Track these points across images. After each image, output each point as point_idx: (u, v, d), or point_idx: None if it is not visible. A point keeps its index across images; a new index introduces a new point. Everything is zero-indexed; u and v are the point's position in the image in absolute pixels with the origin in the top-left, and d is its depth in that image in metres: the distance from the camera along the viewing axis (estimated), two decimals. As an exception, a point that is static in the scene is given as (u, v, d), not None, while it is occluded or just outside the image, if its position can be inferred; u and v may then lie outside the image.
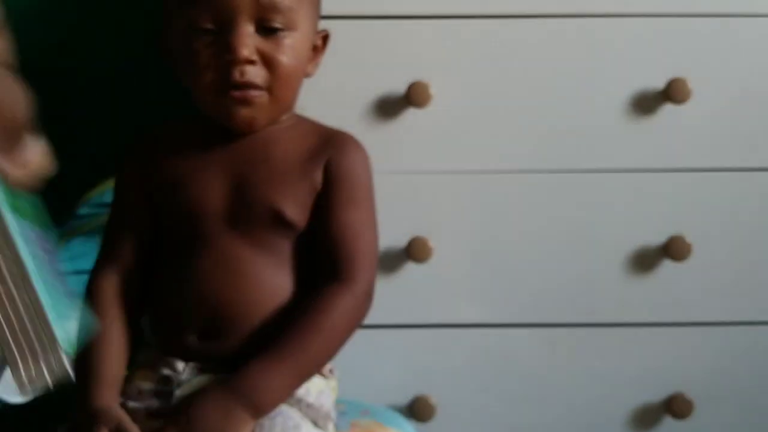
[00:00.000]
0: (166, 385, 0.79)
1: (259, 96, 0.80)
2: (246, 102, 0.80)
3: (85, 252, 1.15)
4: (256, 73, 0.79)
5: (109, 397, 0.77)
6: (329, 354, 0.79)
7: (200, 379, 0.79)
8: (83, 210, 1.13)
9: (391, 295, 1.11)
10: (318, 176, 0.82)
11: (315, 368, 0.78)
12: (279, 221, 0.80)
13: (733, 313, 1.12)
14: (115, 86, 1.33)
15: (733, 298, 1.12)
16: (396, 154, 1.11)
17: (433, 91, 1.07)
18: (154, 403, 0.78)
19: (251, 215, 0.80)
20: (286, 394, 0.76)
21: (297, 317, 0.78)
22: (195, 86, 0.81)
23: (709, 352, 1.12)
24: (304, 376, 0.77)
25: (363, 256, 0.81)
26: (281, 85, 0.81)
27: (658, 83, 1.09)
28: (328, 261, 0.81)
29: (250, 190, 0.81)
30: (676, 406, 1.11)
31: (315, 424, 0.78)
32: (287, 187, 0.81)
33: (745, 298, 1.12)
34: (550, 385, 1.12)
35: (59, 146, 0.72)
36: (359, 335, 1.11)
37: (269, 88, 0.80)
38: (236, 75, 0.78)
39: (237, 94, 0.79)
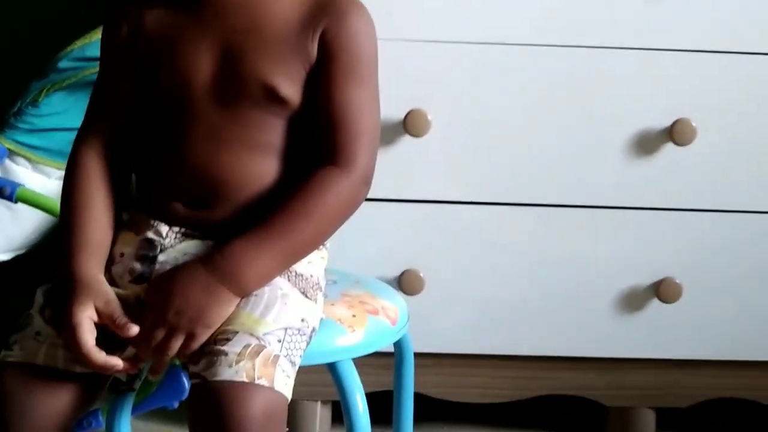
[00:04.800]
0: (150, 249, 0.73)
1: None
2: None
3: (66, 108, 1.08)
4: None
5: (93, 264, 0.70)
6: (320, 239, 0.73)
7: (185, 245, 0.73)
8: (63, 63, 1.04)
9: (386, 169, 1.06)
10: (313, 47, 0.72)
11: (304, 252, 0.72)
12: (271, 97, 0.71)
13: (726, 202, 1.08)
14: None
15: (727, 186, 1.08)
16: (396, 21, 1.03)
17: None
18: (137, 267, 0.72)
19: (241, 90, 0.71)
20: (273, 275, 0.70)
21: (289, 199, 0.70)
22: None
23: (700, 239, 1.09)
24: (291, 259, 0.71)
25: (363, 137, 0.72)
26: None
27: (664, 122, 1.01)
28: (325, 142, 0.72)
29: (240, 63, 0.71)
30: (664, 289, 1.08)
31: (304, 293, 0.73)
32: (279, 59, 0.71)
33: (738, 186, 1.08)
34: (539, 264, 1.09)
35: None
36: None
37: None
38: None
39: None
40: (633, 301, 1.10)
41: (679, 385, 1.14)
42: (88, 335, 0.67)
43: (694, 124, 1.06)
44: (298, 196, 0.71)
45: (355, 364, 0.81)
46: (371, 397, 1.07)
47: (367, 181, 0.74)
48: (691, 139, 1.06)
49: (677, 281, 1.09)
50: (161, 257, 0.73)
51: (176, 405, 1.07)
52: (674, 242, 1.09)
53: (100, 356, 0.67)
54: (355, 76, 0.73)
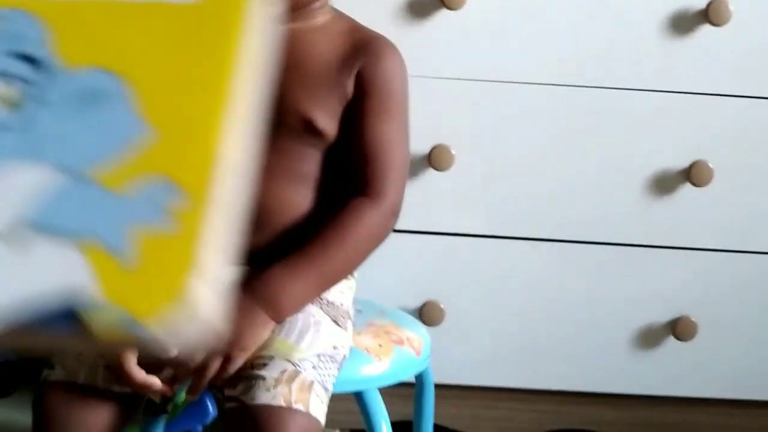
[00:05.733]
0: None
1: None
2: None
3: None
4: None
5: None
6: (352, 266, 0.75)
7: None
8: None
9: (409, 201, 1.08)
10: (350, 84, 0.75)
11: (337, 278, 0.74)
12: (309, 129, 0.74)
13: (742, 242, 1.10)
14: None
15: (746, 226, 1.10)
16: (423, 58, 1.06)
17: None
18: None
19: (282, 121, 0.73)
20: (307, 301, 0.72)
21: (323, 228, 0.73)
22: None
23: (717, 278, 1.10)
24: (325, 285, 0.73)
25: (393, 171, 0.75)
26: None
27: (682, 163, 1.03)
28: (358, 174, 0.75)
29: (282, 96, 0.73)
30: (680, 328, 1.10)
31: (335, 321, 0.75)
32: (318, 94, 0.75)
33: (757, 228, 1.10)
34: (557, 300, 1.10)
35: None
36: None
37: None
38: None
39: None
40: (649, 338, 1.11)
41: (693, 423, 1.14)
42: (129, 353, 0.69)
43: (711, 166, 1.08)
44: (332, 225, 0.73)
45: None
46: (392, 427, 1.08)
47: (395, 212, 0.77)
48: (708, 180, 1.07)
49: (693, 319, 1.10)
50: None
51: (200, 429, 1.08)
52: (691, 281, 1.10)
53: (140, 375, 0.69)
54: (388, 112, 0.76)
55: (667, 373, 1.11)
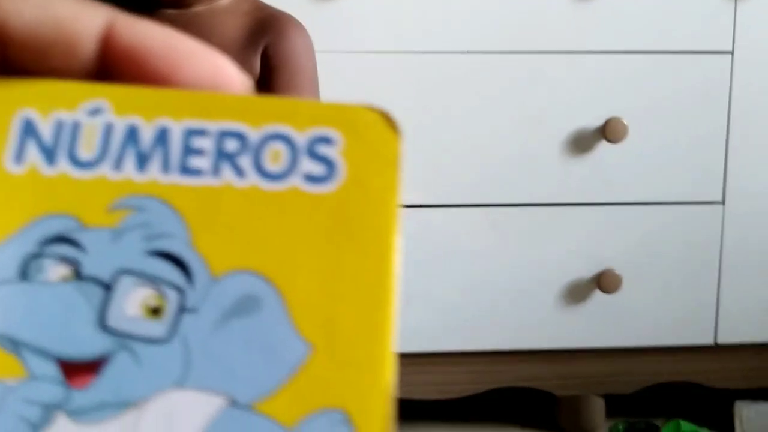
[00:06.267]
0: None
1: None
2: None
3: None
4: None
5: None
6: None
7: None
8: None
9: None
10: (257, 63, 0.75)
11: None
12: None
13: (658, 194, 1.13)
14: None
15: (661, 179, 1.13)
16: (339, 33, 1.07)
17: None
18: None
19: None
20: None
21: None
22: None
23: (636, 231, 1.13)
24: None
25: None
26: None
27: (596, 121, 1.05)
28: None
29: None
30: (605, 281, 1.13)
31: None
32: None
33: (672, 179, 1.13)
34: (485, 263, 1.12)
35: None
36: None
37: None
38: None
39: None
40: (576, 293, 1.14)
41: (624, 372, 1.18)
42: None
43: (625, 122, 1.10)
44: None
45: None
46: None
47: None
48: (623, 136, 1.10)
49: (617, 272, 1.13)
50: None
51: None
52: (612, 235, 1.13)
53: None
54: (296, 88, 0.77)
55: (596, 326, 1.15)
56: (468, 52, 1.09)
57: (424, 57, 1.08)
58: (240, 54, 0.76)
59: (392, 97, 1.08)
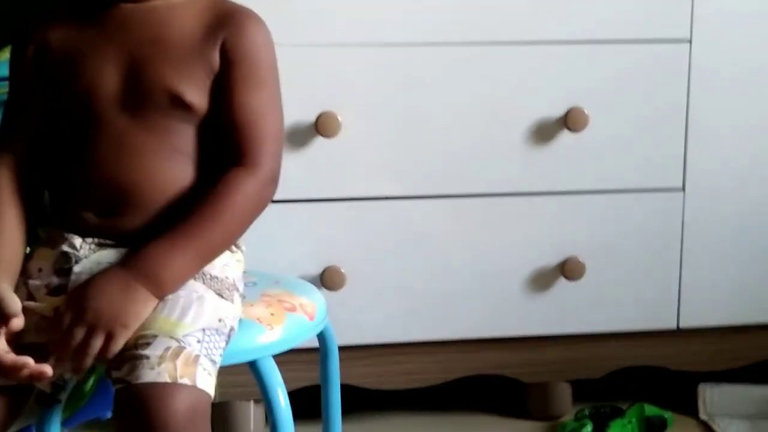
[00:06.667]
0: (65, 262, 0.74)
1: None
2: None
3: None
4: None
5: (3, 278, 0.72)
6: (232, 237, 0.76)
7: (99, 254, 0.75)
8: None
9: (301, 170, 1.09)
10: (215, 57, 0.76)
11: (217, 250, 0.75)
12: (177, 104, 0.74)
13: (619, 182, 1.14)
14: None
15: (621, 167, 1.14)
16: (301, 26, 1.07)
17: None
18: (53, 280, 0.74)
19: (147, 97, 0.74)
20: (188, 275, 0.73)
21: (200, 201, 0.73)
22: None
23: (598, 218, 1.14)
24: (206, 258, 0.74)
25: (267, 139, 0.76)
26: None
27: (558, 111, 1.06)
28: (231, 145, 0.75)
29: (146, 72, 0.74)
30: (569, 268, 1.14)
31: (219, 294, 0.76)
32: (183, 68, 0.75)
33: (632, 167, 1.14)
34: (452, 254, 1.13)
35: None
36: (271, 210, 1.10)
37: None
38: None
39: None
40: (541, 281, 1.16)
41: (590, 358, 1.19)
42: None
43: (586, 111, 1.12)
44: (209, 198, 0.74)
45: (283, 361, 0.82)
46: (302, 393, 1.10)
47: (273, 181, 0.77)
48: (584, 125, 1.12)
49: (580, 260, 1.15)
50: (77, 268, 0.74)
51: (109, 415, 1.09)
52: (575, 223, 1.15)
53: (8, 357, 0.68)
54: (255, 82, 0.77)
55: (561, 313, 1.16)
56: (429, 44, 1.10)
57: (386, 50, 1.09)
58: (198, 48, 0.76)
59: (354, 90, 1.09)
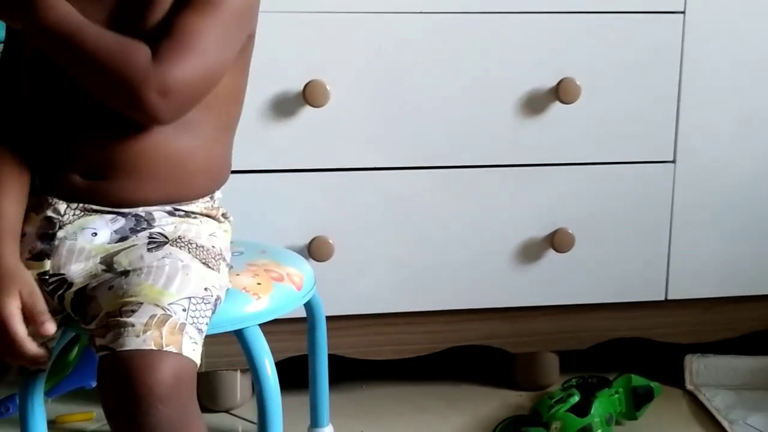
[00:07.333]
0: (49, 227, 0.74)
1: None
2: None
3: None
4: None
5: (14, 252, 0.72)
6: (95, 58, 0.70)
7: (84, 220, 0.74)
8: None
9: (289, 140, 1.08)
10: None
11: (81, 51, 0.70)
12: None
13: (609, 154, 1.13)
14: None
15: (612, 139, 1.13)
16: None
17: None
18: (37, 245, 0.74)
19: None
20: (63, 26, 0.70)
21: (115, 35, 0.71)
22: None
23: (588, 190, 1.14)
24: (74, 42, 0.70)
25: (189, 54, 0.70)
26: None
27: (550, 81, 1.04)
28: (158, 43, 0.71)
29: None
30: (558, 240, 1.14)
31: (205, 264, 0.75)
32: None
33: (621, 139, 1.13)
34: (442, 224, 1.12)
35: None
36: (258, 180, 1.09)
37: None
38: None
39: None
40: (530, 252, 1.15)
41: (577, 329, 1.20)
42: (19, 326, 0.68)
43: (578, 83, 1.11)
44: (119, 38, 0.71)
45: (270, 331, 0.82)
46: (289, 363, 1.10)
47: (165, 91, 0.70)
48: (576, 96, 1.11)
49: (569, 231, 1.15)
50: (60, 233, 0.74)
51: (94, 385, 1.08)
52: (564, 195, 1.14)
53: (32, 347, 0.68)
54: (200, 6, 0.73)
55: (550, 284, 1.16)
56: (421, 13, 1.08)
57: (376, 18, 1.07)
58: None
59: (345, 58, 1.08)
